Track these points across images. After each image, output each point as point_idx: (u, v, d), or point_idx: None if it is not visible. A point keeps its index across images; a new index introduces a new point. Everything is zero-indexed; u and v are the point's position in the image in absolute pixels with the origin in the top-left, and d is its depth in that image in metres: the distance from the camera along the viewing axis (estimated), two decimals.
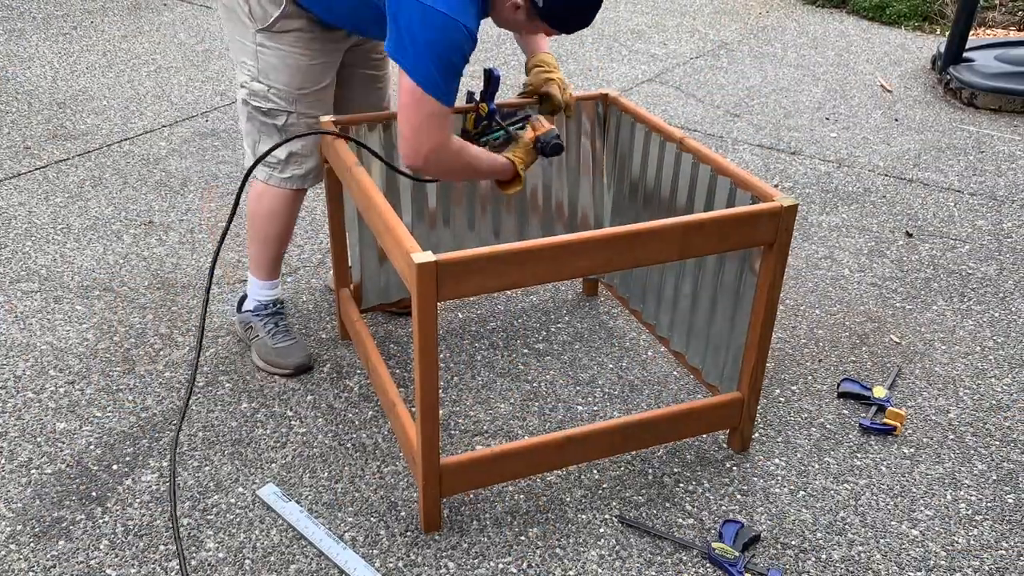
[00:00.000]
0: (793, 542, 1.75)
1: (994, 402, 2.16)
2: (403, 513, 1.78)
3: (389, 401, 1.87)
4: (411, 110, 1.68)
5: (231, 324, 2.32)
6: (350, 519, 1.77)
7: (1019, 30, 5.25)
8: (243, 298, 2.27)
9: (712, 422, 1.92)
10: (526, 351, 2.31)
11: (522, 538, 1.73)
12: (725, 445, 1.99)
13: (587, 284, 2.55)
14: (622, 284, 2.38)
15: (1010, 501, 1.86)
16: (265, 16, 1.91)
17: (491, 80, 1.96)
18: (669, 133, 2.01)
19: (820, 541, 1.75)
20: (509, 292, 2.56)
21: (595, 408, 2.10)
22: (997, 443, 2.03)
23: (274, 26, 1.91)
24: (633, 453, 1.95)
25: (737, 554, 1.67)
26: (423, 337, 1.51)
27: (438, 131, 1.71)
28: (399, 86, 1.67)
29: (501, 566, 1.67)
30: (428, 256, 1.45)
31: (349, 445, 1.96)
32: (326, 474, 1.87)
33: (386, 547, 1.70)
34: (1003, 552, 1.74)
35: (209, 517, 1.76)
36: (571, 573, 1.66)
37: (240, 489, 1.83)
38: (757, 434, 2.03)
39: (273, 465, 1.89)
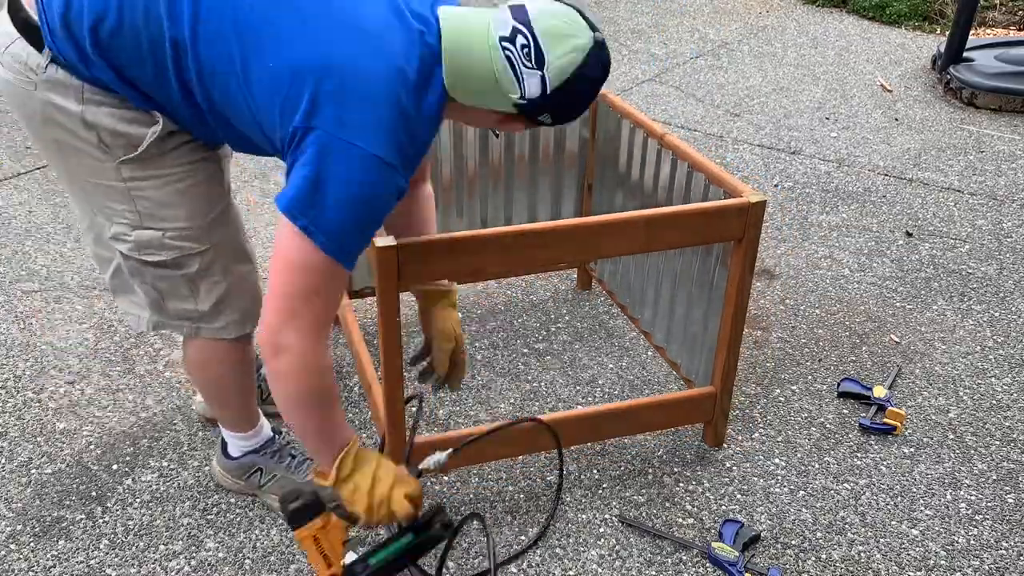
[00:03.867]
0: (793, 542, 1.75)
1: (994, 402, 2.16)
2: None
3: (366, 382, 1.90)
4: (302, 275, 1.26)
5: (214, 475, 1.83)
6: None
7: (1019, 30, 5.25)
8: (223, 444, 1.77)
9: (684, 415, 1.93)
10: (526, 351, 2.30)
11: (522, 538, 1.73)
12: (727, 446, 1.99)
13: (581, 278, 2.57)
14: (611, 279, 2.39)
15: (1010, 501, 1.86)
16: (129, 142, 1.34)
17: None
18: (651, 129, 2.02)
19: (820, 541, 1.75)
20: (509, 291, 2.56)
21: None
22: (997, 443, 2.03)
23: (149, 150, 1.35)
24: (633, 453, 1.95)
25: (737, 554, 1.67)
26: (386, 320, 1.54)
27: (325, 309, 1.30)
28: (280, 246, 1.28)
29: (501, 566, 1.67)
30: (389, 240, 1.46)
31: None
32: None
33: None
34: (1003, 552, 1.74)
35: (209, 517, 1.76)
36: (571, 573, 1.66)
37: None
38: (757, 434, 2.03)
39: None
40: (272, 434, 1.79)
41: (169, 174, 1.40)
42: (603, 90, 2.19)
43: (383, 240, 1.47)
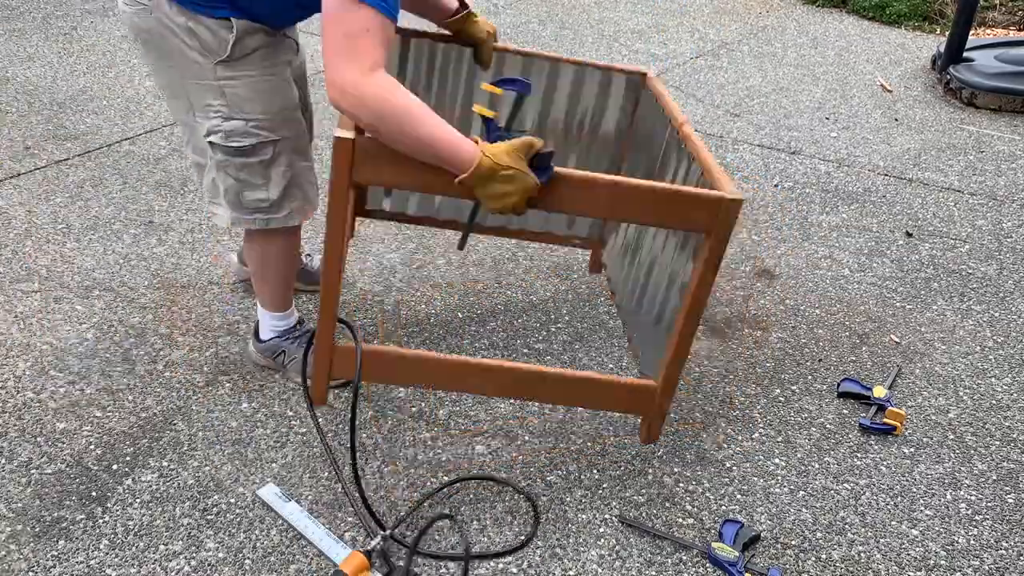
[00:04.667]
0: (793, 542, 1.75)
1: (994, 402, 2.16)
2: (403, 513, 1.78)
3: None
4: (341, 24, 1.42)
5: (250, 355, 2.19)
6: (351, 519, 1.76)
7: (1019, 30, 5.25)
8: (256, 329, 2.16)
9: (619, 401, 1.87)
10: (526, 351, 2.30)
11: (522, 537, 1.73)
12: (727, 446, 1.99)
13: (593, 261, 2.61)
14: (610, 265, 2.43)
15: (1010, 501, 1.86)
16: (220, 45, 1.69)
17: (517, 101, 1.79)
18: (674, 116, 2.02)
19: (820, 541, 1.75)
20: (509, 291, 2.56)
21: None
22: (997, 443, 2.03)
23: (234, 52, 1.70)
24: (633, 452, 1.95)
25: (737, 554, 1.67)
26: (334, 212, 1.59)
27: (373, 49, 1.43)
28: (327, 11, 1.45)
29: (501, 566, 1.67)
30: (349, 133, 1.52)
31: (349, 445, 1.95)
32: (326, 474, 1.87)
33: (387, 547, 1.70)
34: (1003, 552, 1.74)
35: (209, 517, 1.76)
36: (571, 573, 1.66)
37: (240, 489, 1.83)
38: (757, 434, 2.03)
39: (273, 465, 1.89)
40: (296, 321, 2.14)
41: (251, 75, 1.73)
42: (650, 73, 2.26)
43: (343, 132, 1.52)
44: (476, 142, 1.51)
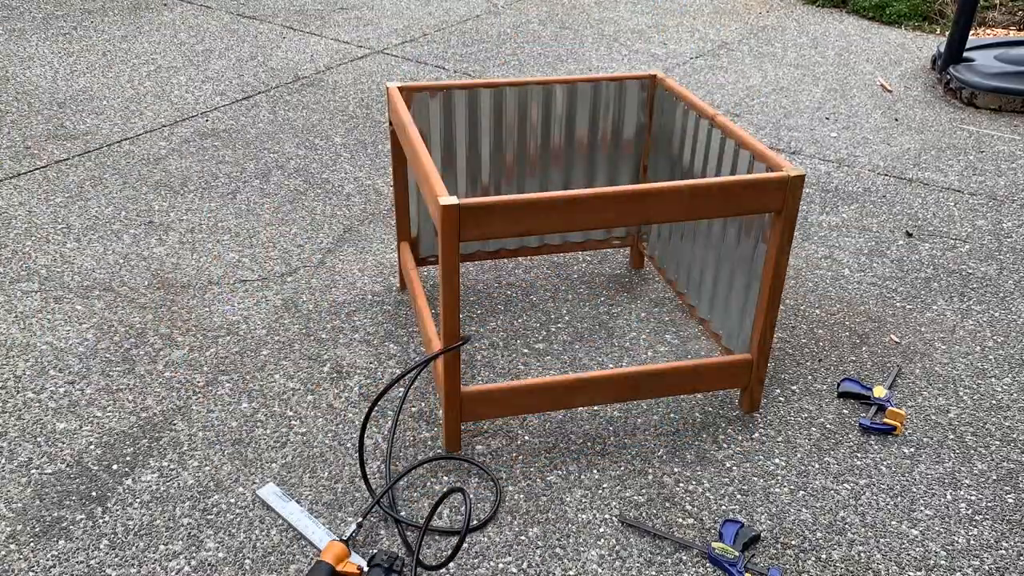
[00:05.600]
0: (793, 542, 1.75)
1: (994, 402, 2.16)
2: (404, 513, 1.78)
3: (427, 339, 2.04)
4: None
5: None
6: (351, 519, 1.76)
7: (1019, 30, 5.25)
8: None
9: (721, 380, 2.05)
10: (526, 351, 2.30)
11: (522, 538, 1.73)
12: (727, 446, 1.99)
13: (634, 256, 2.70)
14: (661, 256, 2.55)
15: (1010, 501, 1.86)
16: None
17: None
18: (703, 110, 2.16)
19: (820, 541, 1.75)
20: (509, 291, 2.56)
21: (595, 408, 2.10)
22: (997, 443, 2.03)
23: None
24: (633, 452, 1.96)
25: (737, 554, 1.67)
26: (446, 271, 1.69)
27: None
28: None
29: (501, 566, 1.67)
30: (452, 199, 1.63)
31: (349, 445, 1.96)
32: (326, 474, 1.87)
33: (387, 547, 1.70)
34: (1003, 552, 1.74)
35: (209, 517, 1.76)
36: (571, 573, 1.66)
37: (240, 489, 1.83)
38: (757, 434, 2.03)
39: (273, 465, 1.89)
40: None
41: None
42: (658, 74, 2.39)
43: (447, 199, 1.63)
44: None
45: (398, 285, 2.56)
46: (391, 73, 4.36)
